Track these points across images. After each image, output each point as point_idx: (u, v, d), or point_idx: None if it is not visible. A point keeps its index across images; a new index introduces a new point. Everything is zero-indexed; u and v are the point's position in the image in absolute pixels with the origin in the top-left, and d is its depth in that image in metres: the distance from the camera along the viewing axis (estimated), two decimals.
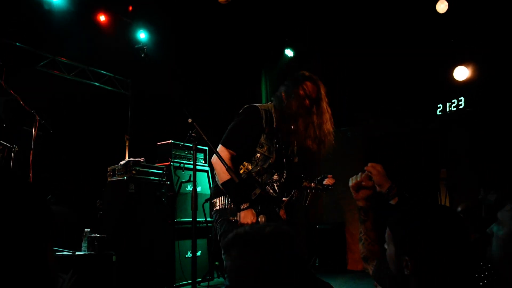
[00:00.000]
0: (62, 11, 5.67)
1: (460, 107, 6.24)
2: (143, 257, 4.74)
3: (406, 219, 1.29)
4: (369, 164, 1.78)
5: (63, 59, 6.16)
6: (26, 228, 0.91)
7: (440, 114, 6.46)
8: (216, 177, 2.56)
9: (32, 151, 4.35)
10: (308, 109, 2.51)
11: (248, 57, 6.92)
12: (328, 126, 2.56)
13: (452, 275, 1.20)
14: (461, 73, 6.19)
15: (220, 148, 2.48)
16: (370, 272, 1.67)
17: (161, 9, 6.25)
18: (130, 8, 6.45)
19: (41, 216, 0.96)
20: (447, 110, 6.37)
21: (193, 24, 6.39)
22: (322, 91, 2.58)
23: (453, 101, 6.41)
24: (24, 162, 4.34)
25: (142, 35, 6.43)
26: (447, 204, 5.95)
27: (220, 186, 2.45)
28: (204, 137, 2.46)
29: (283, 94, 2.56)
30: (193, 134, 2.50)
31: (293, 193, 2.99)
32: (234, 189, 2.38)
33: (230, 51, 6.74)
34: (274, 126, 2.54)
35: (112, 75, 6.73)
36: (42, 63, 5.93)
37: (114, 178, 4.93)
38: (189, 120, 2.47)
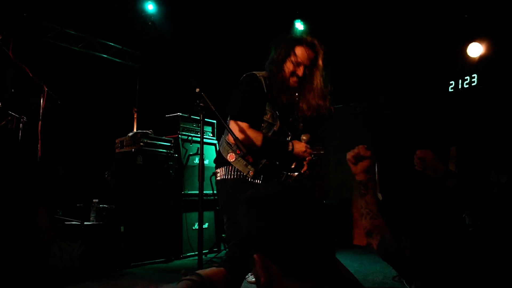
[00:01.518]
0: None
1: (473, 84, 6.13)
2: (150, 228, 4.79)
3: (411, 215, 1.28)
4: (419, 151, 1.74)
5: (71, 31, 6.11)
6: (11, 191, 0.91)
7: (451, 91, 6.35)
8: (222, 144, 2.55)
9: (40, 122, 4.36)
10: (299, 80, 2.48)
11: (258, 29, 6.82)
12: (316, 98, 2.52)
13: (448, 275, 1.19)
14: (475, 49, 6.06)
15: (231, 123, 2.44)
16: (375, 247, 1.64)
17: None
18: None
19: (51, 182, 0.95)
20: (459, 87, 6.26)
21: None
22: (319, 55, 2.51)
23: (465, 78, 6.29)
24: (33, 133, 4.36)
25: (150, 7, 6.34)
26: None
27: (237, 153, 2.42)
28: (212, 107, 2.42)
29: (271, 66, 2.50)
30: (201, 104, 2.46)
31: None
32: (269, 147, 2.41)
33: (239, 23, 6.63)
34: (273, 93, 2.49)
35: (120, 47, 6.68)
36: (49, 35, 5.89)
37: (122, 150, 4.94)
38: (197, 90, 2.43)
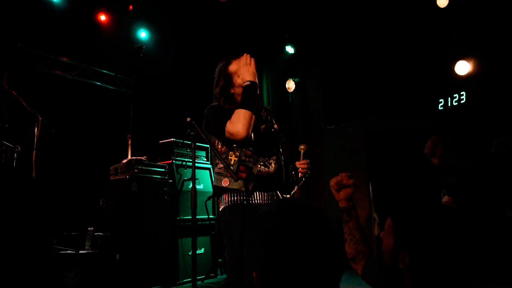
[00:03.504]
0: (62, 11, 5.69)
1: (462, 101, 6.23)
2: (146, 255, 4.77)
3: (411, 215, 1.30)
4: (433, 137, 1.77)
5: (65, 59, 6.18)
6: (32, 222, 0.93)
7: (441, 109, 6.44)
8: (214, 176, 2.59)
9: (34, 151, 4.38)
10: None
11: (249, 52, 6.93)
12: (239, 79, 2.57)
13: (446, 277, 1.21)
14: (463, 67, 6.17)
15: (228, 129, 2.44)
16: (359, 272, 1.67)
17: (161, 8, 6.27)
18: (131, 7, 6.47)
19: (45, 211, 0.98)
20: (449, 105, 6.36)
21: (193, 22, 6.41)
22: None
23: (454, 96, 6.39)
24: (27, 162, 4.38)
25: (143, 34, 6.45)
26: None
27: (226, 167, 2.43)
28: (203, 135, 2.47)
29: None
30: (192, 133, 2.51)
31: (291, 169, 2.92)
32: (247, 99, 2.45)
33: (230, 48, 6.74)
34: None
35: (114, 74, 6.75)
36: (43, 64, 5.95)
37: (117, 177, 4.96)
38: (188, 119, 2.48)
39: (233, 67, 2.60)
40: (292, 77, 7.35)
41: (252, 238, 1.11)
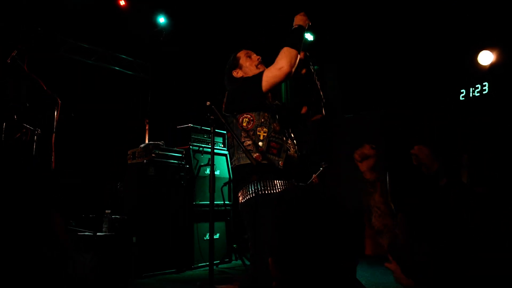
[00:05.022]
0: None
1: (484, 92, 6.10)
2: (162, 239, 4.82)
3: (420, 212, 1.28)
4: (416, 147, 1.76)
5: (84, 44, 6.22)
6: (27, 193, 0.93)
7: (463, 100, 6.33)
8: (239, 156, 2.42)
9: (54, 134, 4.43)
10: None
11: (268, 41, 6.87)
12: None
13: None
14: (486, 57, 6.03)
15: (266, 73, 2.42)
16: (385, 246, 1.63)
17: None
18: None
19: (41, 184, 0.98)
20: (471, 95, 6.23)
21: (212, 7, 6.36)
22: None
23: (477, 86, 6.27)
24: (47, 145, 4.43)
25: (161, 19, 6.45)
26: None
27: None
28: (222, 119, 2.44)
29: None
30: (211, 117, 2.49)
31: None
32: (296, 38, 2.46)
33: (249, 33, 6.69)
34: None
35: (132, 59, 6.78)
36: (63, 48, 6.00)
37: (134, 161, 4.99)
38: (207, 103, 2.47)
39: (242, 55, 2.66)
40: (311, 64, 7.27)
41: (266, 225, 1.10)
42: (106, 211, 4.51)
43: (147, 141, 5.32)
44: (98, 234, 4.17)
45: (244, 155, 2.35)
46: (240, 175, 2.40)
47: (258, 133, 2.38)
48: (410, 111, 6.58)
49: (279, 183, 2.32)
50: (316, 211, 1.02)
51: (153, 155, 4.88)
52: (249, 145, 2.37)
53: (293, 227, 1.01)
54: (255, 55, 2.67)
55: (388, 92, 6.82)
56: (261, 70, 2.51)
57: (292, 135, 2.57)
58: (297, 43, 2.42)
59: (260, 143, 2.35)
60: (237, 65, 2.64)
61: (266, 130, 2.39)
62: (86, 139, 5.83)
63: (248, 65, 2.61)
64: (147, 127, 5.63)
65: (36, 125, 4.68)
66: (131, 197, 4.88)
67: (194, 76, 6.44)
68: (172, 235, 4.94)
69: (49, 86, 4.50)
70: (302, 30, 2.50)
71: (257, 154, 2.33)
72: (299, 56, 2.39)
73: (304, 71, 2.60)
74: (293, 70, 2.35)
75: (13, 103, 4.74)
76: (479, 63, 6.08)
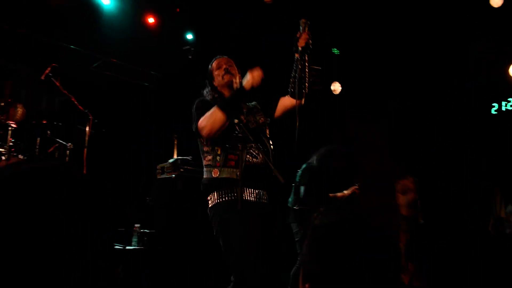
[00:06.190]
0: (113, 15, 5.87)
1: None
2: (191, 253, 4.82)
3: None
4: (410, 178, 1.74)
5: (115, 60, 6.35)
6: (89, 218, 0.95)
7: (495, 114, 6.19)
8: (204, 171, 2.59)
9: (85, 148, 4.52)
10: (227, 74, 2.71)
11: (286, 56, 6.86)
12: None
13: None
14: None
15: (198, 126, 2.53)
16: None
17: (205, 9, 6.33)
18: (178, 10, 6.58)
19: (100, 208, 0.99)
20: (503, 109, 6.09)
21: (236, 22, 6.41)
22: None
23: (509, 99, 6.14)
24: (78, 159, 4.52)
25: (189, 36, 6.57)
26: (502, 209, 5.70)
27: (211, 164, 2.50)
28: (250, 137, 2.44)
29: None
30: (240, 135, 2.50)
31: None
32: (228, 104, 2.49)
33: (271, 50, 6.71)
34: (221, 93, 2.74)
35: (161, 76, 6.87)
36: (95, 64, 6.14)
37: (163, 176, 5.04)
38: (235, 121, 2.48)
39: (214, 64, 2.75)
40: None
41: (306, 249, 1.07)
42: (136, 225, 4.55)
43: (175, 156, 5.36)
44: (127, 247, 4.21)
45: (206, 169, 2.55)
46: (204, 188, 2.57)
47: (216, 148, 2.51)
48: (445, 123, 6.45)
49: (239, 190, 2.40)
50: (359, 239, 1.00)
51: (181, 170, 4.92)
52: (209, 160, 2.52)
53: (336, 255, 0.99)
54: (224, 63, 2.71)
55: (422, 106, 6.68)
56: (226, 80, 2.64)
57: (264, 140, 2.61)
58: (228, 108, 2.45)
59: (218, 158, 2.46)
60: (212, 76, 2.74)
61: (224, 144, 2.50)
62: (115, 153, 5.92)
63: (216, 74, 2.71)
64: (175, 142, 5.67)
65: (68, 140, 4.81)
66: (160, 211, 4.91)
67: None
68: (200, 248, 4.93)
69: (80, 101, 4.61)
70: (241, 93, 2.52)
71: (215, 169, 2.46)
72: (224, 121, 2.42)
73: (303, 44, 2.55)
74: (213, 134, 2.44)
75: (47, 119, 4.88)
76: (511, 77, 5.94)
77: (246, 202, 2.41)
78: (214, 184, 2.47)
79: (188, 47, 6.15)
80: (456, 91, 6.32)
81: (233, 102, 2.51)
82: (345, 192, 3.91)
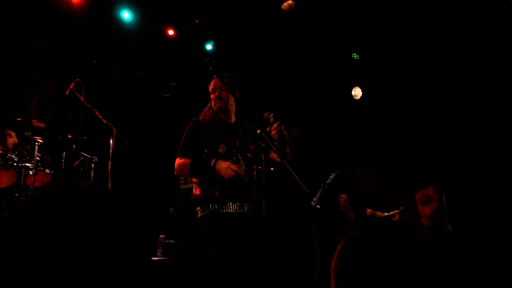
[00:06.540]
0: (133, 28, 5.97)
1: None
2: (214, 263, 4.84)
3: None
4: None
5: (138, 74, 6.46)
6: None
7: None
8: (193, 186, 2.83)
9: (110, 161, 4.60)
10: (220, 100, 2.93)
11: (309, 63, 6.87)
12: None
13: None
14: None
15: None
16: None
17: (225, 20, 6.39)
18: (196, 21, 6.65)
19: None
20: None
21: (256, 31, 6.44)
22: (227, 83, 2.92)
23: None
24: (103, 172, 4.61)
25: (208, 47, 6.64)
26: None
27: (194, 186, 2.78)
28: (273, 147, 2.46)
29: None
30: (262, 145, 2.52)
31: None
32: (194, 168, 2.71)
33: (292, 57, 6.73)
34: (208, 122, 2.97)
35: (181, 86, 6.95)
36: (117, 78, 6.26)
37: (186, 186, 5.09)
38: (258, 131, 2.51)
39: (210, 85, 2.97)
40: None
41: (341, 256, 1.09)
42: (160, 236, 4.60)
43: None
44: (152, 258, 4.26)
45: (193, 185, 2.82)
46: (192, 203, 2.82)
47: None
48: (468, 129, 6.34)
49: (230, 204, 2.67)
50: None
51: None
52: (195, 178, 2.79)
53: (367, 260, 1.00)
54: (218, 87, 2.91)
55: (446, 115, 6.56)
56: (217, 107, 2.89)
57: (248, 155, 2.81)
58: (194, 173, 2.74)
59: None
60: (210, 96, 2.98)
61: None
62: (139, 164, 6.00)
63: (212, 97, 2.95)
64: None
65: (93, 153, 4.90)
66: (183, 221, 4.96)
67: (244, 103, 6.50)
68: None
69: (104, 114, 4.69)
70: (208, 170, 2.65)
71: (198, 188, 2.75)
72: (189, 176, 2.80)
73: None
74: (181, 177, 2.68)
75: (72, 133, 4.98)
76: None
77: (227, 213, 2.67)
78: (198, 200, 2.74)
79: (208, 58, 6.20)
80: (459, 92, 6.20)
81: (200, 173, 2.73)
82: (385, 214, 3.86)
